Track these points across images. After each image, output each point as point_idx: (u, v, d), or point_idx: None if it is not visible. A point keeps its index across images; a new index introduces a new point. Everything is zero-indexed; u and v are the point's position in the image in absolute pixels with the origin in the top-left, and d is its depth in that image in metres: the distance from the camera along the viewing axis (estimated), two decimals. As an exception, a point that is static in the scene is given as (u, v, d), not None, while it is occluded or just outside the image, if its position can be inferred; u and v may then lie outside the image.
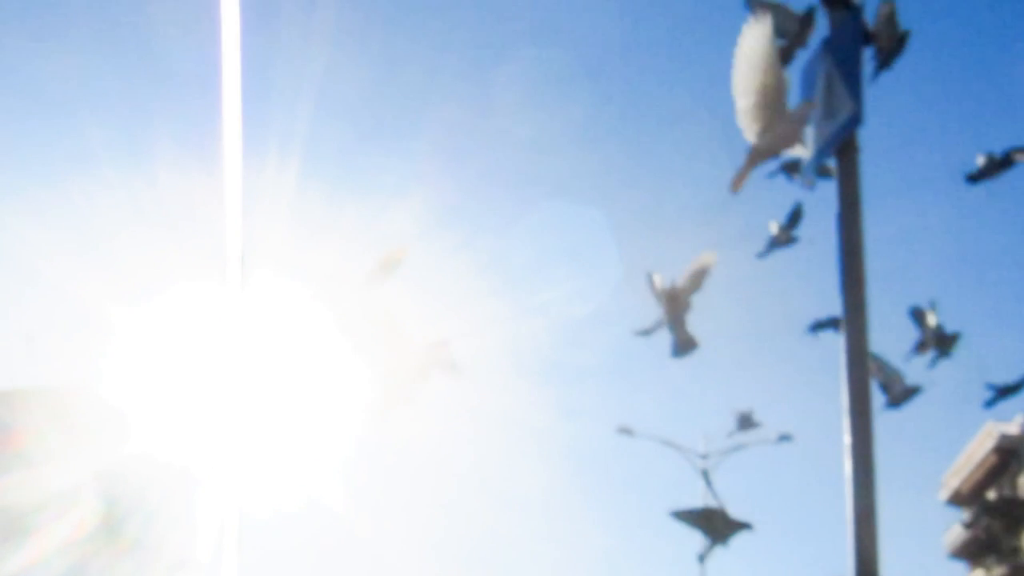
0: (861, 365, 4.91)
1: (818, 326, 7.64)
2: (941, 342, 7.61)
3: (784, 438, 37.98)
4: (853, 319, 4.99)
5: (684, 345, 6.03)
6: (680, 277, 6.21)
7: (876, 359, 7.29)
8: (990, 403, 7.47)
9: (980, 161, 7.87)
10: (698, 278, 6.23)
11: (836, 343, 5.15)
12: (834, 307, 5.23)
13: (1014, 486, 52.96)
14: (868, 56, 5.77)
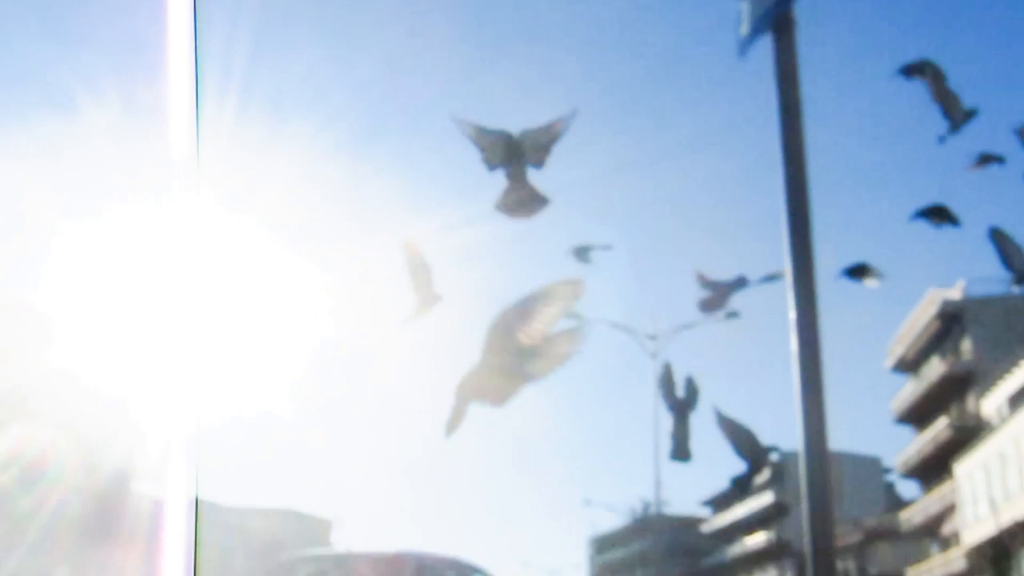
0: (804, 238, 4.93)
1: (851, 272, 7.59)
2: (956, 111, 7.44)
3: (731, 315, 38.49)
4: (794, 188, 5.00)
5: (524, 198, 5.78)
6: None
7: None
8: None
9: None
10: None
11: (775, 216, 5.18)
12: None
13: (958, 352, 54.09)
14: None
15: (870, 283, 7.44)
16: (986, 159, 7.51)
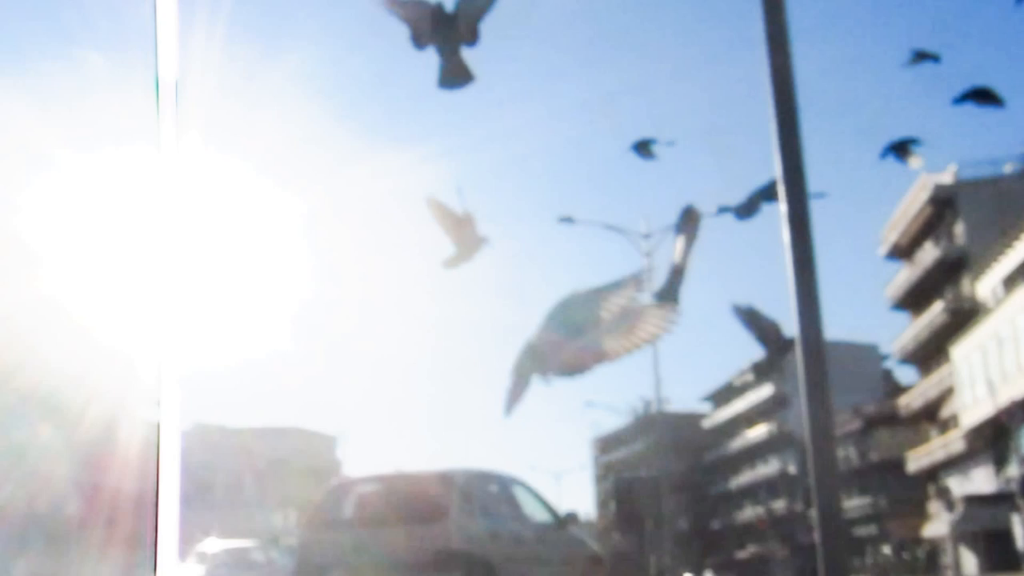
0: (792, 130, 4.86)
1: (894, 147, 7.44)
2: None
3: (723, 210, 38.35)
4: (780, 87, 4.92)
5: (454, 73, 5.61)
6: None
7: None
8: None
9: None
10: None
11: (765, 114, 5.10)
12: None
13: (951, 235, 54.12)
14: None
15: (914, 163, 7.31)
16: (921, 56, 7.38)
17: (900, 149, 7.32)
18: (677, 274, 6.32)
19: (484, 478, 13.41)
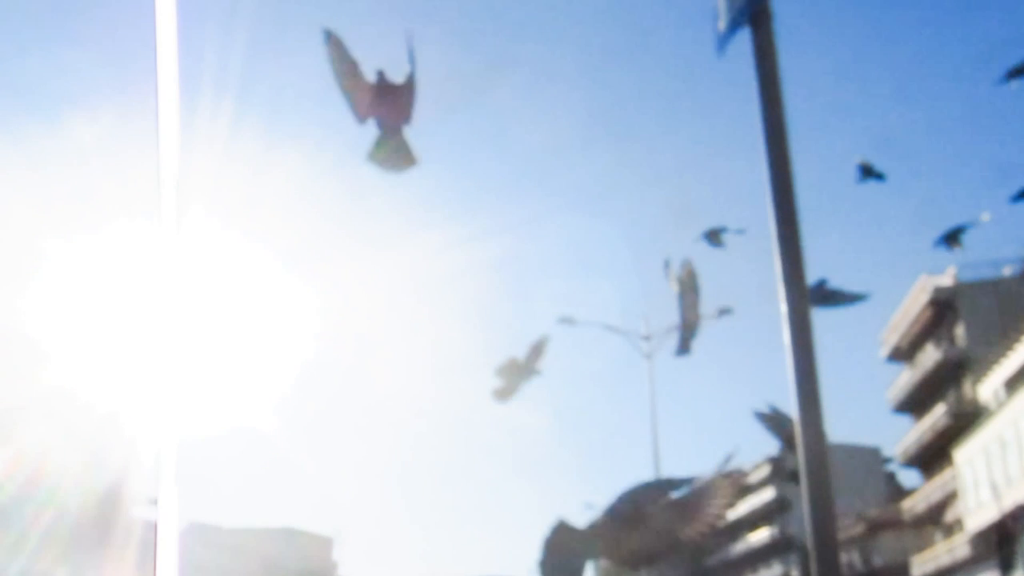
0: (793, 230, 4.88)
1: (946, 238, 7.49)
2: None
3: (724, 312, 38.52)
4: (780, 188, 4.96)
5: (395, 153, 5.51)
6: None
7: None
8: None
9: None
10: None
11: (765, 213, 5.14)
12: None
13: (952, 338, 54.14)
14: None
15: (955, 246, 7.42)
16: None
17: (951, 238, 7.39)
18: (689, 328, 6.35)
19: None
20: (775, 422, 6.52)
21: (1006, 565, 44.74)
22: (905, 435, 60.17)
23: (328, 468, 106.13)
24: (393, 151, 5.46)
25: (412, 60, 5.47)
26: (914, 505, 58.72)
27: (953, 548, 51.57)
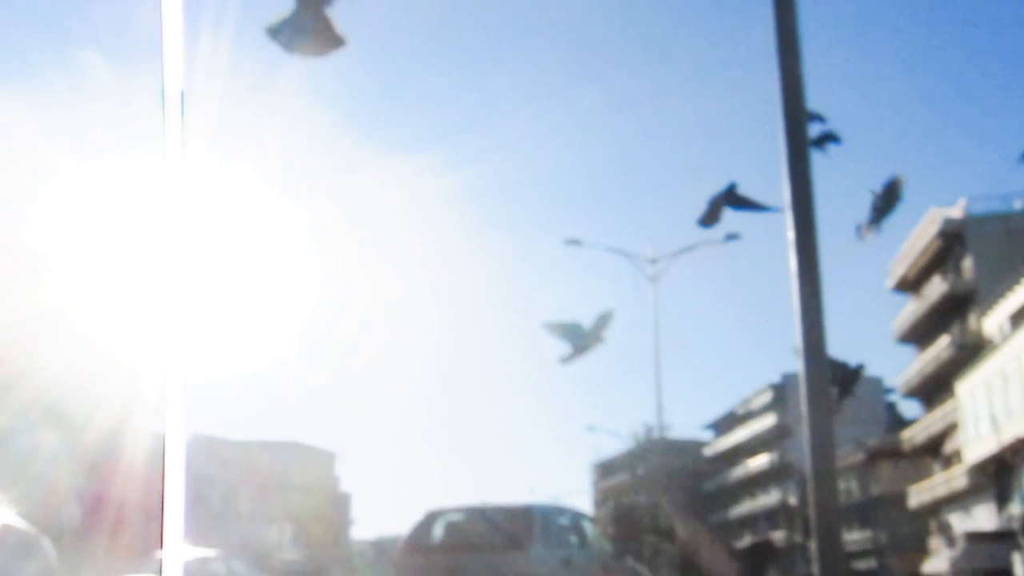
0: (802, 161, 4.88)
1: None
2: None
3: (731, 237, 38.39)
4: (791, 114, 4.94)
5: (322, 40, 5.10)
6: None
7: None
8: None
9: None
10: None
11: (775, 142, 5.12)
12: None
13: (959, 270, 54.04)
14: None
15: None
16: None
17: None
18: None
19: (558, 512, 15.31)
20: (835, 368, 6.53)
21: (1003, 497, 45.11)
22: (908, 366, 60.35)
23: (333, 386, 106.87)
24: (313, 31, 5.15)
25: None
26: (914, 436, 59.08)
27: (951, 479, 51.97)
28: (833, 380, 6.44)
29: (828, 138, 6.38)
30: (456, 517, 14.50)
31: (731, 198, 5.90)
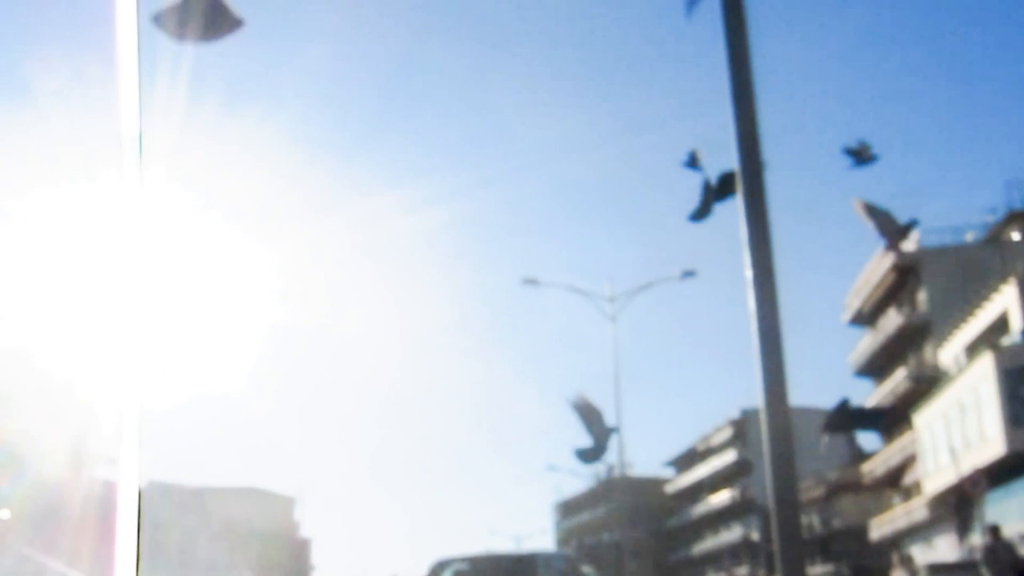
0: (759, 198, 4.88)
1: None
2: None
3: (688, 274, 38.61)
4: (747, 149, 4.94)
5: (214, 22, 4.83)
6: None
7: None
8: None
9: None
10: None
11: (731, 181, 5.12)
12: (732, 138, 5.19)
13: (914, 303, 54.51)
14: None
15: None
16: None
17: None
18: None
19: (560, 558, 16.29)
20: (873, 213, 6.62)
21: (963, 528, 45.32)
22: (866, 398, 60.67)
23: (291, 429, 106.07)
24: (205, 14, 4.95)
25: None
26: (873, 468, 59.30)
27: (911, 511, 52.15)
28: (883, 232, 6.44)
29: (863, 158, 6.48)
30: (464, 567, 14.99)
31: (723, 190, 5.88)
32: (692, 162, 6.07)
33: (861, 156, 7.28)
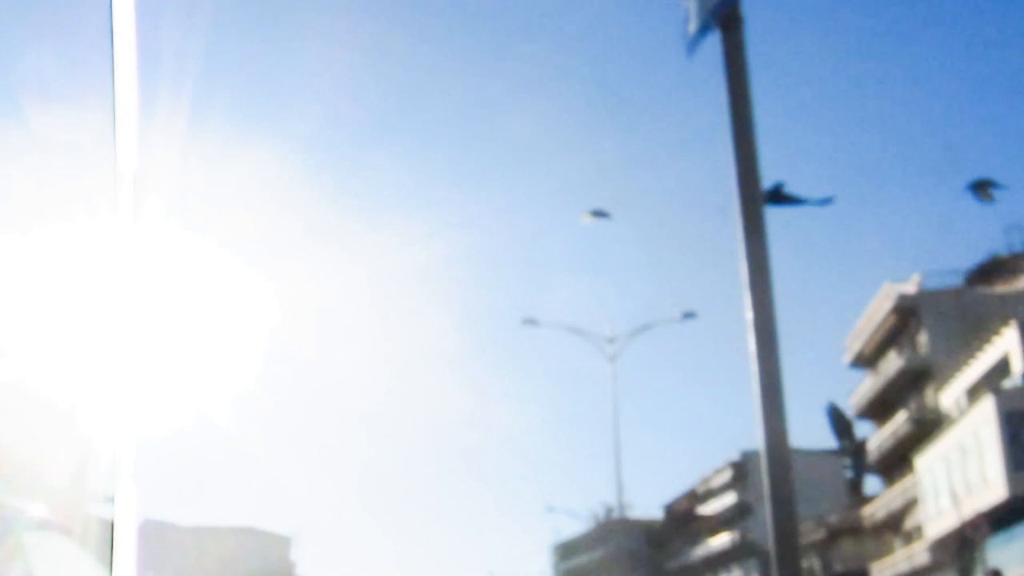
0: (759, 237, 4.88)
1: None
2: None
3: (688, 315, 38.68)
4: (747, 192, 4.95)
5: None
6: None
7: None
8: None
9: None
10: None
11: (730, 221, 5.13)
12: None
13: (914, 345, 54.47)
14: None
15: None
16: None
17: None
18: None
19: None
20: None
21: (965, 572, 45.05)
22: (867, 441, 60.48)
23: (287, 468, 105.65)
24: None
25: None
26: (874, 512, 59.04)
27: (912, 555, 51.87)
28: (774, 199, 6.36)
29: (782, 197, 6.40)
30: None
31: (775, 196, 5.85)
32: (775, 197, 6.00)
33: (983, 194, 7.30)
